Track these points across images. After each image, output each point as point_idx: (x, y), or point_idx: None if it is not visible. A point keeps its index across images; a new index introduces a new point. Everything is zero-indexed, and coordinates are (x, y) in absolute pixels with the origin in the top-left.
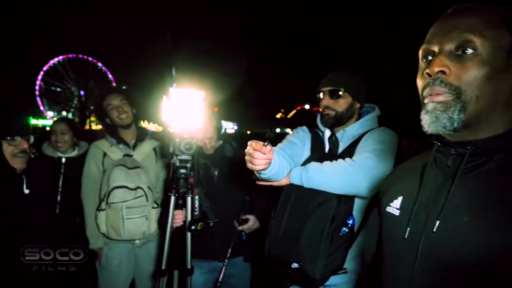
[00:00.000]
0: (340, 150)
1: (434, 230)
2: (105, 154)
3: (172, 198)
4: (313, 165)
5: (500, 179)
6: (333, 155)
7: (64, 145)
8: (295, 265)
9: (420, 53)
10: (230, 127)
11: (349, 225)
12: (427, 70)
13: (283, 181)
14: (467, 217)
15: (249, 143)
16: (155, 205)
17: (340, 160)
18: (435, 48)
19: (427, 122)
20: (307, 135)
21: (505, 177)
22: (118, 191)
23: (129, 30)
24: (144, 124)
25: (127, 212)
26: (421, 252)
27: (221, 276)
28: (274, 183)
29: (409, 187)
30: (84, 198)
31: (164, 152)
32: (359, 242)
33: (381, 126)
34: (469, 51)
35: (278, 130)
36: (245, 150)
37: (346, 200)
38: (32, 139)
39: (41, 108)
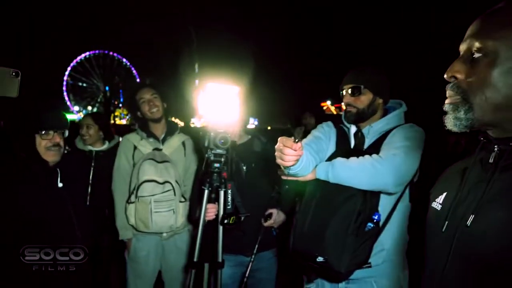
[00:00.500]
0: (366, 146)
1: (468, 224)
2: (135, 148)
3: (206, 191)
4: (339, 160)
5: None
6: (359, 151)
7: (89, 138)
8: (320, 259)
9: None
10: (250, 122)
11: (375, 221)
12: (445, 75)
13: (309, 176)
14: (501, 213)
15: (279, 139)
16: (182, 199)
17: (366, 156)
18: (460, 51)
19: (445, 121)
20: (332, 131)
21: None
22: (147, 185)
23: (153, 27)
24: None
25: (155, 206)
26: (455, 246)
27: (247, 271)
28: (300, 178)
29: (453, 184)
30: (115, 190)
31: (197, 146)
32: (384, 237)
33: (409, 123)
34: (479, 55)
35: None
36: (275, 146)
37: (372, 196)
38: (66, 133)
39: (68, 103)
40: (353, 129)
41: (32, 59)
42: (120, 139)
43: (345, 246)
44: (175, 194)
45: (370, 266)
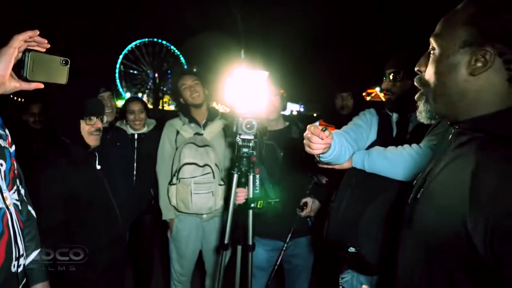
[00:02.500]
0: (408, 135)
1: (418, 196)
2: (178, 133)
3: (235, 176)
4: (377, 149)
5: (468, 156)
6: (400, 140)
7: (141, 123)
8: (352, 249)
9: None
10: (296, 108)
11: None
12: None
13: (345, 165)
14: (435, 186)
15: (308, 127)
16: (221, 182)
17: (406, 146)
18: None
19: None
20: (374, 118)
21: (475, 154)
22: (188, 167)
23: (201, 14)
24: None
25: (195, 187)
26: (410, 216)
27: (279, 258)
28: (336, 167)
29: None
30: (159, 172)
31: (228, 131)
32: None
33: None
34: (432, 51)
35: None
36: (304, 134)
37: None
38: (105, 119)
39: (120, 90)
40: (395, 117)
41: (89, 49)
42: (154, 122)
43: (379, 237)
44: (214, 177)
45: None
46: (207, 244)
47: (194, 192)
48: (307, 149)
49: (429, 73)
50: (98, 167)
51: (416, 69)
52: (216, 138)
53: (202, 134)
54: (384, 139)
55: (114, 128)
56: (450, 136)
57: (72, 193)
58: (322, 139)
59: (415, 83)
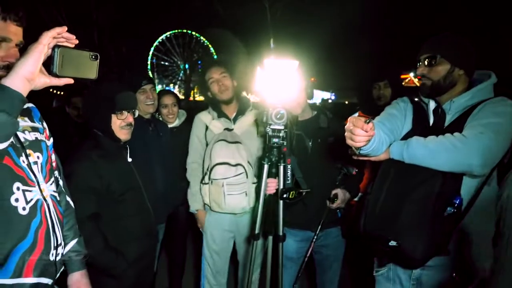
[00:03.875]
0: (447, 123)
1: None
2: (207, 128)
3: (265, 166)
4: (416, 139)
5: None
6: (438, 129)
7: (174, 116)
8: (393, 243)
9: None
10: (327, 96)
11: (456, 205)
12: None
13: (382, 156)
14: None
15: (349, 118)
16: (254, 180)
17: (447, 135)
18: None
19: None
20: (408, 107)
21: None
22: (220, 168)
23: (229, 2)
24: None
25: (228, 189)
26: None
27: (310, 249)
28: (373, 158)
29: None
30: (188, 166)
31: (260, 122)
32: (466, 222)
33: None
34: None
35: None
36: (345, 126)
37: (454, 178)
38: (137, 113)
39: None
40: (432, 104)
41: (121, 43)
42: (185, 113)
43: (421, 231)
44: (247, 177)
45: (448, 254)
46: (241, 237)
47: (227, 193)
48: (348, 141)
49: None
50: (129, 159)
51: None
52: (248, 132)
53: (232, 130)
54: (420, 128)
55: (156, 120)
56: None
57: (103, 186)
58: (366, 132)
59: None
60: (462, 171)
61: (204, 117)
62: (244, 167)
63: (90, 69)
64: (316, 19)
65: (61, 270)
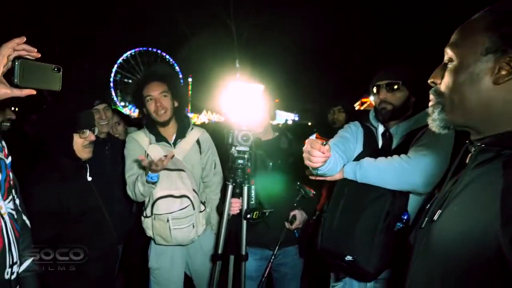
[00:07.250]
0: (394, 146)
1: (435, 218)
2: (145, 153)
3: (230, 187)
4: (367, 160)
5: (494, 174)
6: (386, 151)
7: (120, 135)
8: (349, 257)
9: None
10: (291, 117)
11: (404, 220)
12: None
13: (337, 176)
14: (457, 207)
15: (307, 140)
16: (202, 208)
17: (395, 156)
18: None
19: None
20: (359, 130)
21: (503, 172)
22: (163, 201)
23: (195, 23)
24: (211, 115)
25: (173, 223)
26: (425, 241)
27: (269, 266)
28: (328, 178)
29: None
30: (128, 180)
31: (216, 139)
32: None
33: None
34: (449, 61)
35: None
36: (303, 148)
37: (401, 196)
38: (96, 130)
39: (115, 99)
40: (380, 129)
41: (84, 59)
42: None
43: (374, 245)
44: (194, 208)
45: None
46: (194, 265)
47: (173, 228)
48: (307, 162)
49: (447, 84)
50: (89, 178)
51: (430, 81)
52: (190, 155)
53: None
54: (370, 150)
55: (113, 138)
56: (470, 155)
57: (62, 207)
58: (323, 153)
59: (431, 95)
60: (407, 189)
61: (141, 139)
62: (190, 198)
63: (53, 81)
64: (280, 42)
65: None
